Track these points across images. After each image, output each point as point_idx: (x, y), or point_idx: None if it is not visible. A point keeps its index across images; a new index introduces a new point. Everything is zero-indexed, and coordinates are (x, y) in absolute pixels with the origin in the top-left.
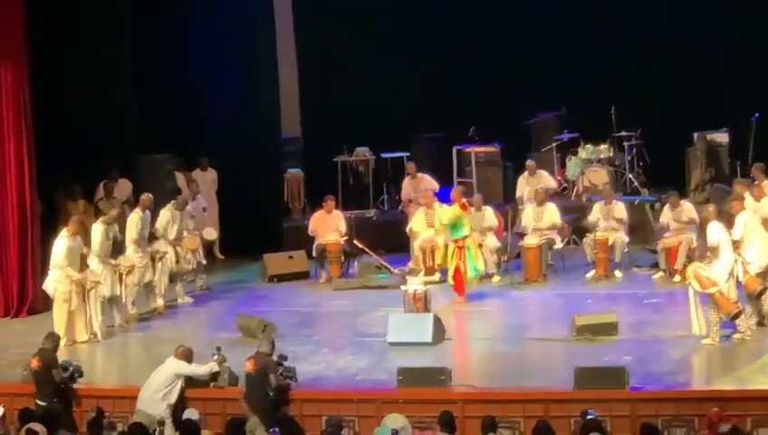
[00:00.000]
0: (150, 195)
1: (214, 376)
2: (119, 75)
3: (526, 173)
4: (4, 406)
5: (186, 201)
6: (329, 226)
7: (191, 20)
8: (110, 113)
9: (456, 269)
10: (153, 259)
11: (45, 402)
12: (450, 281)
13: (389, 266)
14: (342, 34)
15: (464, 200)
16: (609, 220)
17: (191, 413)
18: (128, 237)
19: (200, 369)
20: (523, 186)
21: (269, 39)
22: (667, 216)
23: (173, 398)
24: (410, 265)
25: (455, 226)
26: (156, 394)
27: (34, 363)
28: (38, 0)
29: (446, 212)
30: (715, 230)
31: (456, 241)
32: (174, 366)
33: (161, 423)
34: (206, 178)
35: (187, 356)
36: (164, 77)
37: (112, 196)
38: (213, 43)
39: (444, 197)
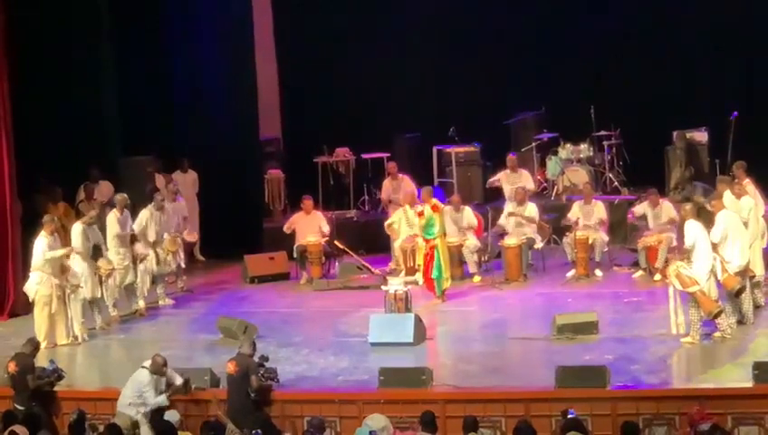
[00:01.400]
0: (125, 195)
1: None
2: (100, 77)
3: (507, 169)
4: None
5: (164, 202)
6: (309, 226)
7: (172, 22)
8: (91, 115)
9: (425, 269)
10: (134, 261)
11: (24, 407)
12: (421, 281)
13: (370, 267)
14: (323, 35)
15: (433, 201)
16: (589, 220)
17: (172, 415)
18: (108, 238)
19: (151, 398)
20: (504, 182)
21: (249, 41)
22: (644, 210)
23: (145, 408)
24: (391, 265)
25: (426, 225)
26: (125, 399)
27: (11, 367)
28: (19, 1)
29: (418, 215)
30: (694, 229)
31: (426, 241)
32: (140, 381)
33: (135, 426)
34: (187, 180)
35: (158, 369)
36: (145, 79)
37: (93, 198)
38: (194, 45)
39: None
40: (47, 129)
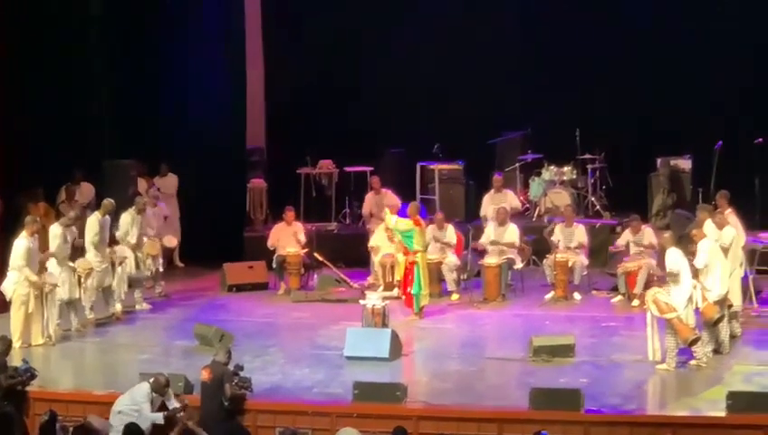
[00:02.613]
0: (112, 201)
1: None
2: (86, 79)
3: (492, 191)
4: None
5: (145, 205)
6: (289, 237)
7: (161, 28)
8: (75, 116)
9: (404, 283)
10: (113, 264)
11: None
12: (401, 295)
13: (349, 280)
14: (310, 47)
15: (417, 217)
16: (569, 242)
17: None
18: (87, 240)
19: (147, 412)
20: (488, 204)
21: (239, 49)
22: (626, 238)
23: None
24: (370, 279)
25: (406, 238)
26: (117, 407)
27: None
28: (6, 2)
29: (400, 222)
30: (674, 257)
31: (406, 253)
32: (139, 393)
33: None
34: (167, 184)
35: (159, 388)
36: (132, 83)
37: (74, 199)
38: (181, 52)
39: (404, 213)
40: (30, 129)
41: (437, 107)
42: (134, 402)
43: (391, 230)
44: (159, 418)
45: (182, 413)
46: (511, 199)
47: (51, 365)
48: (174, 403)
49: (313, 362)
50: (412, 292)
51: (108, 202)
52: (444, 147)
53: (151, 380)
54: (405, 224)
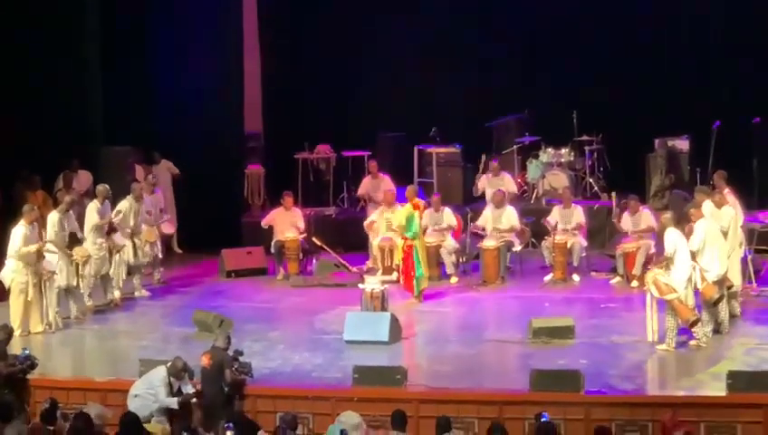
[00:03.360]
0: (107, 186)
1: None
2: (83, 66)
3: (489, 174)
4: None
5: (143, 191)
6: (287, 222)
7: (159, 12)
8: (74, 104)
9: (404, 268)
10: (111, 251)
11: None
12: (399, 279)
13: (347, 264)
14: (307, 32)
15: (416, 200)
16: (567, 224)
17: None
18: (86, 228)
19: (162, 396)
20: (484, 183)
21: (236, 34)
22: (625, 220)
23: (155, 404)
24: (369, 263)
25: (407, 223)
26: (134, 390)
27: None
28: None
29: (399, 212)
30: (673, 237)
31: (404, 238)
32: (156, 377)
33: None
34: (161, 170)
35: (176, 372)
36: (130, 69)
37: (72, 187)
38: (179, 37)
39: (402, 197)
40: (28, 117)
41: (435, 90)
42: (151, 386)
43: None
44: (174, 402)
45: (196, 399)
46: (507, 183)
47: (51, 353)
48: (189, 388)
49: (313, 347)
50: (415, 275)
51: (103, 188)
52: (441, 130)
53: (168, 364)
54: (405, 211)
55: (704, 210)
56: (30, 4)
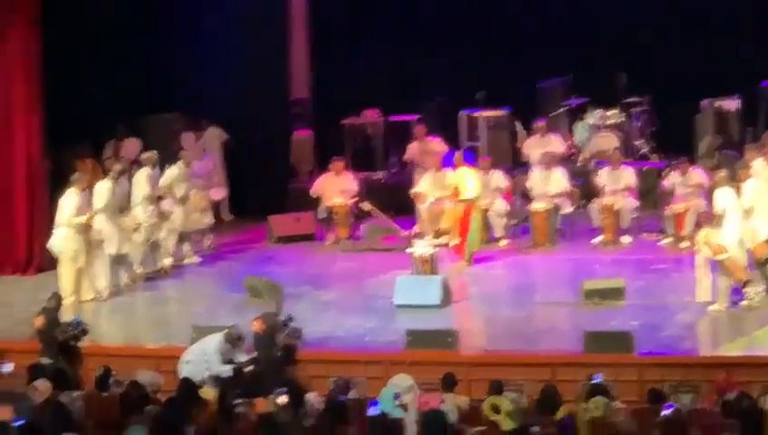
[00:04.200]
0: (155, 152)
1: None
2: (129, 34)
3: (537, 135)
4: (12, 362)
5: (192, 158)
6: (337, 187)
7: None
8: (119, 72)
9: (462, 230)
10: (161, 218)
11: (51, 360)
12: (453, 242)
13: (397, 229)
14: None
15: (463, 163)
16: (616, 186)
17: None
18: (136, 195)
19: (215, 365)
20: (532, 148)
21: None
22: (674, 180)
23: (208, 371)
24: (417, 227)
25: (460, 187)
26: (186, 356)
27: (38, 323)
28: None
29: (451, 176)
30: (724, 196)
31: (463, 202)
32: (210, 344)
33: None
34: (209, 137)
35: (232, 340)
36: (174, 36)
37: (120, 155)
38: (225, 3)
39: (450, 161)
40: (75, 85)
41: (481, 53)
42: (205, 353)
43: (441, 178)
44: (228, 370)
45: (250, 367)
46: (555, 145)
47: (101, 320)
48: (243, 356)
49: (364, 311)
50: (469, 237)
51: (151, 154)
52: (489, 94)
53: (224, 332)
54: (459, 174)
55: (755, 168)
56: None
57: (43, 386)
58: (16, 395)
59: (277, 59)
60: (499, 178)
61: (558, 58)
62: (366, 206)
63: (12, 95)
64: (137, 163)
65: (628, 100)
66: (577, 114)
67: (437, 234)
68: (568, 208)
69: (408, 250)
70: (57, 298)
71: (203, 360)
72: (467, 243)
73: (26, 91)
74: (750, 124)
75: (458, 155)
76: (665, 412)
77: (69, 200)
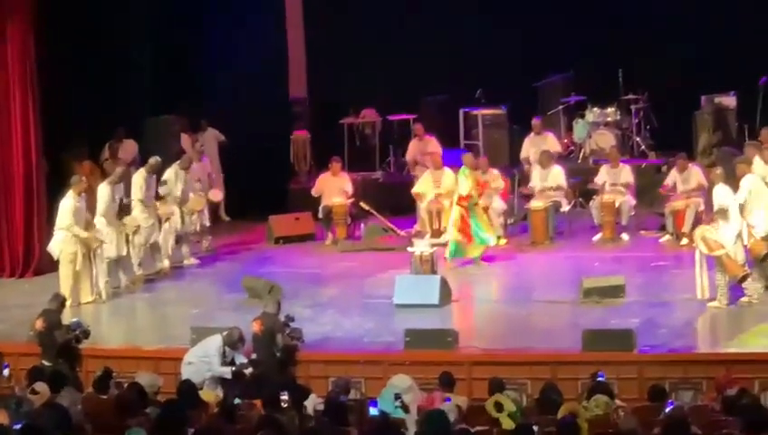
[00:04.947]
0: (159, 159)
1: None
2: (128, 36)
3: (532, 134)
4: (9, 365)
5: (190, 160)
6: (335, 187)
7: None
8: (118, 73)
9: (463, 226)
10: (159, 220)
11: (50, 363)
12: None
13: (396, 228)
14: None
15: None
16: (615, 183)
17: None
18: (134, 198)
19: (216, 366)
20: (528, 147)
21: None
22: (673, 178)
23: (209, 372)
24: (417, 227)
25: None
26: (188, 357)
27: (39, 324)
28: None
29: (448, 176)
30: (722, 193)
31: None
32: (211, 346)
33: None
34: (208, 139)
35: (232, 342)
36: (173, 38)
37: (118, 157)
38: (222, 6)
39: (448, 159)
40: (73, 87)
41: (479, 52)
42: (205, 354)
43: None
44: (228, 372)
45: (249, 368)
46: (551, 142)
47: (101, 322)
48: (242, 358)
49: (363, 311)
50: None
51: (155, 161)
52: (486, 92)
53: (224, 333)
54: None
55: (754, 165)
56: None
57: (42, 389)
58: (12, 399)
59: (276, 59)
60: (497, 177)
61: (556, 56)
62: (365, 205)
63: (10, 97)
64: (134, 165)
65: (626, 97)
66: (576, 112)
67: (436, 233)
68: (566, 206)
69: (408, 249)
70: (59, 299)
71: (204, 361)
72: (473, 243)
73: (24, 93)
74: (747, 121)
75: (467, 157)
76: (666, 410)
77: (67, 204)
